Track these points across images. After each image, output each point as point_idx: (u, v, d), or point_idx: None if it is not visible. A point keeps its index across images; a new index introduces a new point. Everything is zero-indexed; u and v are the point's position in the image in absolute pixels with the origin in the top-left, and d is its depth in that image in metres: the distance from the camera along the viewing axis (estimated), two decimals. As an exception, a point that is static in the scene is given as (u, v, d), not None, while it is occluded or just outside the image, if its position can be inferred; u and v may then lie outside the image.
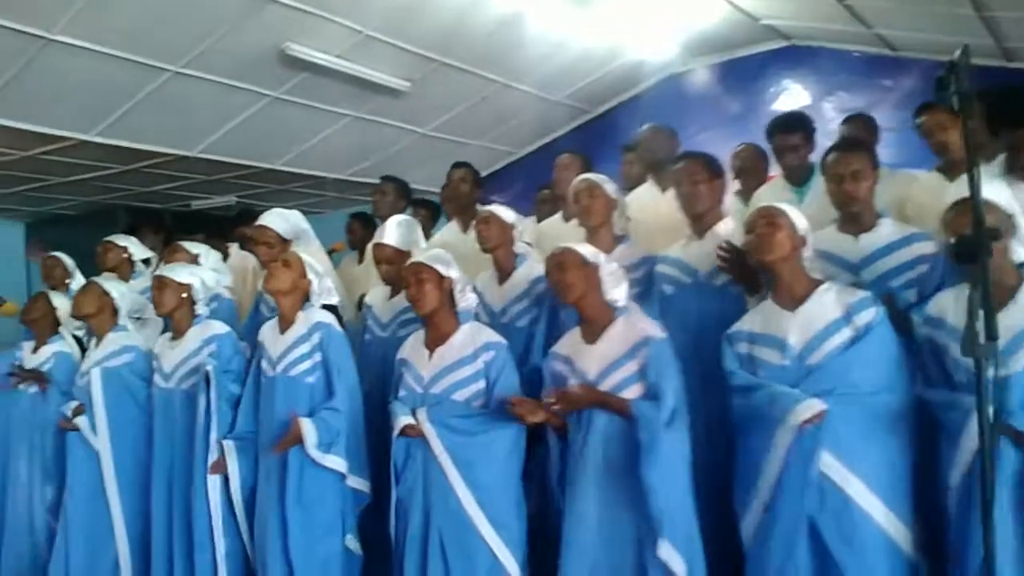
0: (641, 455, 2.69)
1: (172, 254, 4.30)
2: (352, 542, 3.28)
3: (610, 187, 3.66)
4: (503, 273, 3.75)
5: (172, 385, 3.62)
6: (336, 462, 3.21)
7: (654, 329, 2.90)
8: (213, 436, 3.37)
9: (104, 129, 6.01)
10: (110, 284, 4.00)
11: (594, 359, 2.92)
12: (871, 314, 2.71)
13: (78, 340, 4.26)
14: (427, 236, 4.86)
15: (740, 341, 2.88)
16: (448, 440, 2.97)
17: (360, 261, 5.30)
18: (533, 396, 3.02)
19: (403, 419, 3.06)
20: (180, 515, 3.55)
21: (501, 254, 3.74)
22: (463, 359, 3.08)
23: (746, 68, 6.71)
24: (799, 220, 2.85)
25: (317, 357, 3.31)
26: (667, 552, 2.66)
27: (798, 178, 4.00)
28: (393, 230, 3.78)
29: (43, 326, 4.21)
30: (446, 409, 3.04)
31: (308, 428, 3.13)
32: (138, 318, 4.01)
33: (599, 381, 2.88)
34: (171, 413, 3.63)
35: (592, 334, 2.97)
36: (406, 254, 3.78)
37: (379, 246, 3.79)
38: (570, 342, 3.06)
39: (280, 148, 7.12)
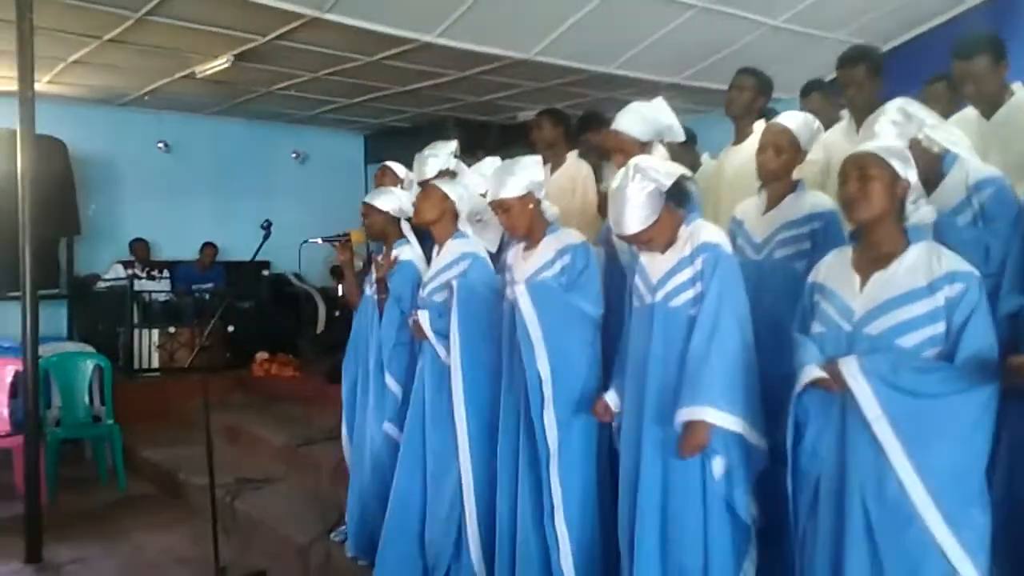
0: None
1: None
2: (751, 507, 2.69)
3: None
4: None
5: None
6: (731, 421, 2.60)
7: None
8: None
9: (445, 30, 5.89)
10: (449, 187, 3.63)
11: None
12: None
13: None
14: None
15: None
16: (891, 403, 2.20)
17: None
18: None
19: (812, 370, 2.30)
20: (526, 440, 3.12)
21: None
22: (914, 292, 2.27)
23: None
24: None
25: (699, 287, 2.71)
26: None
27: None
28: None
29: (386, 233, 3.96)
30: (889, 359, 2.24)
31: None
32: (479, 220, 3.64)
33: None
34: (513, 326, 3.16)
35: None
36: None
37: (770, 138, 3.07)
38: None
39: (616, 49, 6.64)
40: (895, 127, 2.59)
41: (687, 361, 2.64)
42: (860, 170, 2.31)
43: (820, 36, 6.50)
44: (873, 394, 2.20)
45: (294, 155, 9.97)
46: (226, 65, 6.66)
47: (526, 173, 3.17)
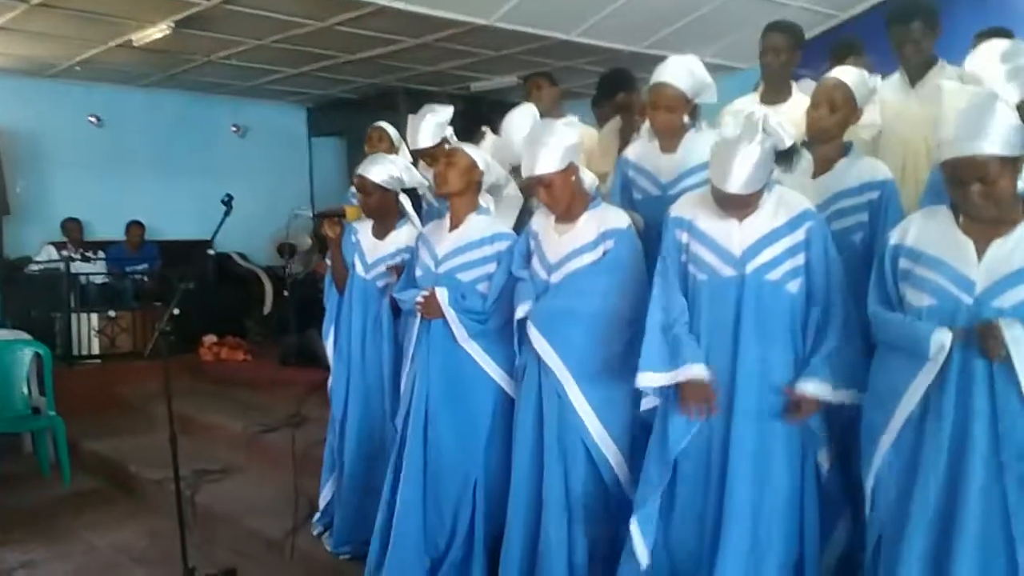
0: None
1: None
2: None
3: None
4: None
5: (556, 279, 2.88)
6: (847, 395, 2.44)
7: None
8: None
9: (405, -8, 5.59)
10: (477, 154, 3.19)
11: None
12: None
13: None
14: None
15: None
16: None
17: None
18: None
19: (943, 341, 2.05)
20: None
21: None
22: None
23: None
24: None
25: (800, 259, 2.49)
26: None
27: None
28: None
29: (386, 209, 3.59)
30: None
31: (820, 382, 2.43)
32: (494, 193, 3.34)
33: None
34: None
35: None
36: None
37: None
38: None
39: (580, 14, 6.43)
40: (1007, 64, 2.27)
41: (828, 344, 2.45)
42: (979, 177, 2.02)
43: (782, 3, 6.39)
44: None
45: (234, 129, 9.51)
46: (167, 32, 6.23)
47: (560, 140, 2.82)
